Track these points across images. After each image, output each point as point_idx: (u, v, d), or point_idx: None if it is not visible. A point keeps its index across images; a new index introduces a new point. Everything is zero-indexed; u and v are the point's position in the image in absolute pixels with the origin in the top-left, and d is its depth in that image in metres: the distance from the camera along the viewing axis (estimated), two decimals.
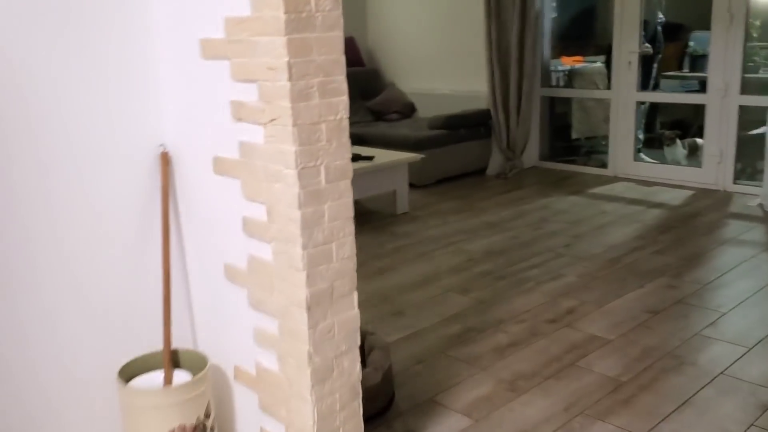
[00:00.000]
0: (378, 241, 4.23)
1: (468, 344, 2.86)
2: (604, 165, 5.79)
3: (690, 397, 2.40)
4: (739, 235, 4.05)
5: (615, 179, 5.54)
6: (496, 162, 5.95)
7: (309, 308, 1.69)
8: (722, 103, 4.93)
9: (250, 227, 1.79)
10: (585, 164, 6.03)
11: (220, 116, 1.79)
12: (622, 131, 5.53)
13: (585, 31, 7.63)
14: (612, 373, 2.59)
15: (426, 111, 6.62)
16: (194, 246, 2.01)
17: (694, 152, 5.51)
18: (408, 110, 6.73)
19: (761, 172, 5.21)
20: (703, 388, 2.46)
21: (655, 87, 6.33)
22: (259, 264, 1.79)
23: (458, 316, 3.14)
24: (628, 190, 5.19)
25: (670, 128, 7.02)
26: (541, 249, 3.97)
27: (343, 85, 1.70)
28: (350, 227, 1.76)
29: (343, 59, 1.68)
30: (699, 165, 5.42)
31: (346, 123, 1.72)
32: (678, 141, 5.44)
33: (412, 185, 5.46)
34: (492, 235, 4.28)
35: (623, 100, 5.47)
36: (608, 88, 5.91)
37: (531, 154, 6.09)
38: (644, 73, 5.52)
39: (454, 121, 5.76)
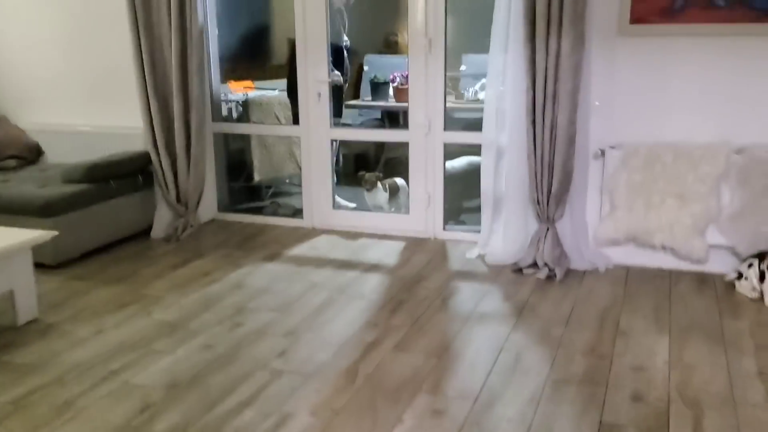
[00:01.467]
0: None
1: None
2: (298, 214, 4.82)
3: None
4: (477, 305, 3.37)
5: (314, 232, 4.61)
6: (163, 220, 4.58)
7: None
8: (426, 141, 4.30)
9: None
10: (275, 213, 4.99)
11: None
12: (317, 175, 4.62)
13: (255, 52, 6.65)
14: None
15: (58, 154, 4.95)
16: None
17: (395, 194, 4.85)
18: (31, 154, 4.97)
19: (467, 212, 4.75)
20: None
21: (338, 116, 5.61)
22: None
23: None
24: (333, 248, 4.28)
25: (356, 165, 6.39)
26: (249, 365, 2.79)
27: None
28: None
29: None
30: (401, 209, 4.78)
31: None
32: (379, 184, 4.71)
33: (41, 266, 3.84)
34: (174, 347, 2.96)
35: (316, 139, 4.56)
36: (295, 122, 4.97)
37: (208, 206, 4.86)
38: (335, 105, 4.67)
39: (101, 171, 4.25)
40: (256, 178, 5.33)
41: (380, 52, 8.04)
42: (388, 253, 4.18)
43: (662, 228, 3.60)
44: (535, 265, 3.79)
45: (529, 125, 3.66)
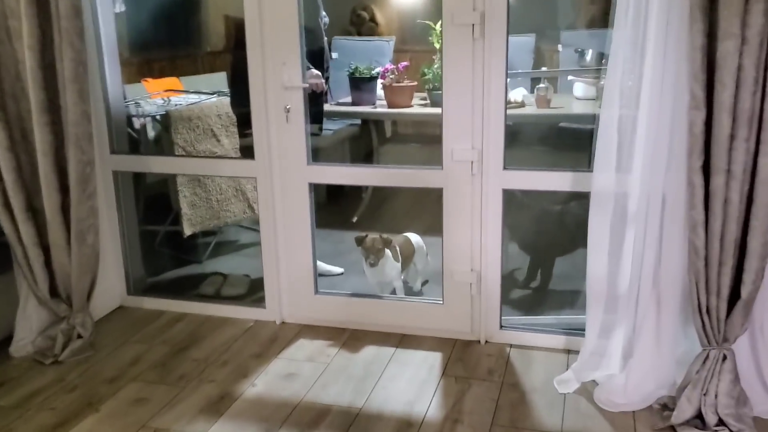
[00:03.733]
0: None
1: None
2: (255, 291, 3.05)
3: None
4: None
5: (285, 332, 2.83)
6: (30, 327, 2.73)
7: None
8: (472, 186, 2.57)
9: None
10: (218, 295, 3.18)
11: None
12: (288, 241, 2.83)
13: (181, 36, 4.79)
14: None
15: None
16: None
17: (408, 262, 3.10)
18: None
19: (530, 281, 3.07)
20: None
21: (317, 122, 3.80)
22: None
23: None
24: (324, 373, 2.51)
25: (328, 196, 4.50)
26: None
27: None
28: None
29: None
30: (416, 283, 3.09)
31: None
32: (388, 253, 2.93)
33: None
34: None
35: (283, 183, 2.77)
36: (241, 150, 3.19)
37: (111, 288, 3.03)
38: (312, 109, 2.82)
39: None
40: (187, 230, 3.49)
41: (346, 33, 6.26)
42: (419, 382, 2.45)
43: None
44: (698, 418, 2.12)
45: (696, 172, 1.96)
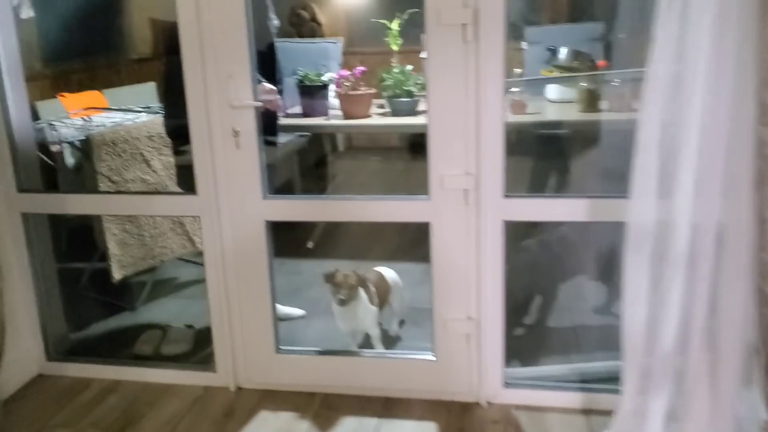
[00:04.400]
0: None
1: None
2: (200, 351, 2.54)
3: None
4: None
5: (241, 402, 2.32)
6: None
7: None
8: (467, 219, 2.12)
9: None
10: (157, 353, 2.65)
11: None
12: (241, 290, 2.33)
13: (101, 41, 4.20)
14: None
15: None
16: None
17: (384, 303, 2.63)
18: None
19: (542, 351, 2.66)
20: None
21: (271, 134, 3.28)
22: None
23: None
24: None
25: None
26: None
27: None
28: None
29: None
30: (391, 327, 2.64)
31: None
32: (362, 293, 2.47)
33: None
34: None
35: (235, 220, 2.26)
36: (180, 183, 2.68)
37: (23, 356, 2.47)
38: (266, 122, 2.31)
39: None
40: (117, 274, 2.94)
41: (286, 35, 5.75)
42: None
43: None
44: None
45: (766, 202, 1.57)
